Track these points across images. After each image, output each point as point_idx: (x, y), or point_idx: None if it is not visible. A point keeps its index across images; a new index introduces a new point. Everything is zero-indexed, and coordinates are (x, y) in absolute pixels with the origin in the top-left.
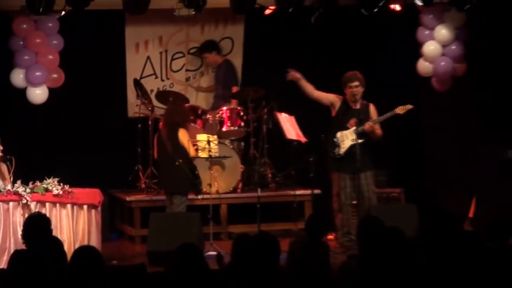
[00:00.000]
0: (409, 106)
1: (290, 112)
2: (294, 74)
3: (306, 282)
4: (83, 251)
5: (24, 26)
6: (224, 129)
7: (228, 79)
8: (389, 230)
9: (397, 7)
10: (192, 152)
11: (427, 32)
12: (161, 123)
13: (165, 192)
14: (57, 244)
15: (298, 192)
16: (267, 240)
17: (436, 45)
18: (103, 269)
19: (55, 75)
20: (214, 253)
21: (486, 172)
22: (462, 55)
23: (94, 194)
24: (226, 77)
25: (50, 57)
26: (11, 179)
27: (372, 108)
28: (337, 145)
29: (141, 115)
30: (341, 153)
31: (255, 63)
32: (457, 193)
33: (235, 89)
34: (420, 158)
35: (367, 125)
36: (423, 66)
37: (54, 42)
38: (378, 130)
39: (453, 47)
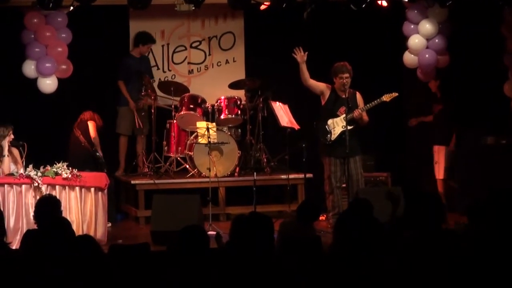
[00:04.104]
0: (395, 94)
1: (284, 101)
2: (302, 56)
3: (296, 258)
4: (82, 240)
5: (35, 20)
6: (222, 117)
7: (150, 71)
8: None
9: (384, 3)
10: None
11: (412, 26)
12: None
13: None
14: (66, 224)
15: (291, 176)
16: (262, 220)
17: (421, 38)
18: (102, 257)
19: (64, 66)
20: (213, 233)
21: (468, 158)
22: (445, 48)
23: (100, 178)
24: (150, 69)
25: (59, 49)
26: (23, 163)
27: (358, 96)
28: (328, 132)
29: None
30: (332, 139)
31: (255, 55)
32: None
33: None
34: (405, 144)
35: (356, 112)
36: (408, 58)
37: (63, 35)
38: (365, 117)
39: (437, 40)
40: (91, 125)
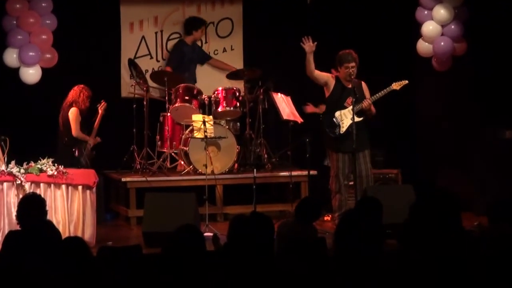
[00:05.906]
0: (404, 82)
1: (286, 92)
2: (311, 46)
3: (297, 261)
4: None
5: (18, 5)
6: (219, 109)
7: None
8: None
9: None
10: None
11: (426, 12)
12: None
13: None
14: (50, 225)
15: (294, 173)
16: (262, 220)
17: (435, 25)
18: (90, 260)
19: (48, 55)
20: (210, 234)
21: (485, 153)
22: (461, 35)
23: (88, 175)
24: (203, 54)
25: (44, 37)
26: (5, 159)
27: (364, 86)
28: (337, 125)
29: (136, 95)
30: (341, 132)
31: (255, 42)
32: (454, 174)
33: None
34: (418, 139)
35: (365, 103)
36: (422, 46)
37: (47, 21)
38: (373, 108)
39: (453, 26)
40: (71, 116)
